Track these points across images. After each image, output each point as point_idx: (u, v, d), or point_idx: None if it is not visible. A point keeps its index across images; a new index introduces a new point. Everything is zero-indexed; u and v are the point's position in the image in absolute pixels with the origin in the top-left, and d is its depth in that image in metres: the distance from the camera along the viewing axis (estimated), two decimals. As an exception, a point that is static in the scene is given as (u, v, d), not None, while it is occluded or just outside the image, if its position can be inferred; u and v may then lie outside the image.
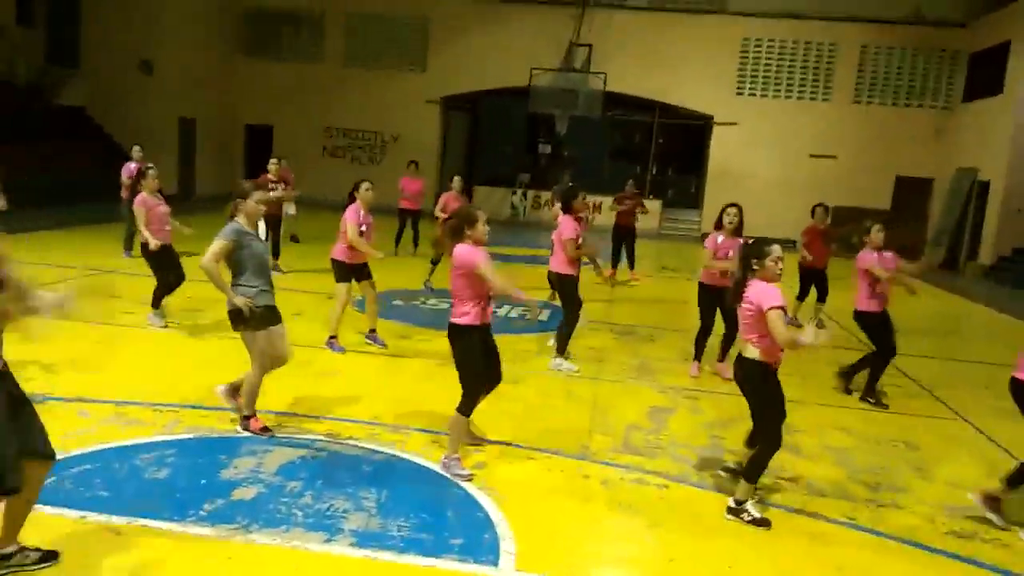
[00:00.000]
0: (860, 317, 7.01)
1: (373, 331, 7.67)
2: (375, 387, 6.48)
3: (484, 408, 5.98)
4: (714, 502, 4.66)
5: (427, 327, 8.65)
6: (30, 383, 5.66)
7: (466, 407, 4.77)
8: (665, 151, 25.66)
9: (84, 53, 20.32)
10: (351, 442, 5.15)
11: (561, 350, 7.43)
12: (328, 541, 3.82)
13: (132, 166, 11.84)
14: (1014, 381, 4.60)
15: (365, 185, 7.37)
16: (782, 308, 4.29)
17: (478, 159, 25.68)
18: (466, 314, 4.69)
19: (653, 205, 23.16)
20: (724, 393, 6.93)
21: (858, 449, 5.86)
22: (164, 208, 7.72)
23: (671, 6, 21.84)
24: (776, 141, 21.97)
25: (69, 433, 4.86)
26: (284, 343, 5.11)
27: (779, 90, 22.09)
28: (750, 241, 4.75)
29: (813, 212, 10.09)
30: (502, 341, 8.12)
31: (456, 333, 4.75)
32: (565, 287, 7.42)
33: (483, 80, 22.45)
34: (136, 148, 12.67)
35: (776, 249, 4.45)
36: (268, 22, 23.07)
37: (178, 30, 20.48)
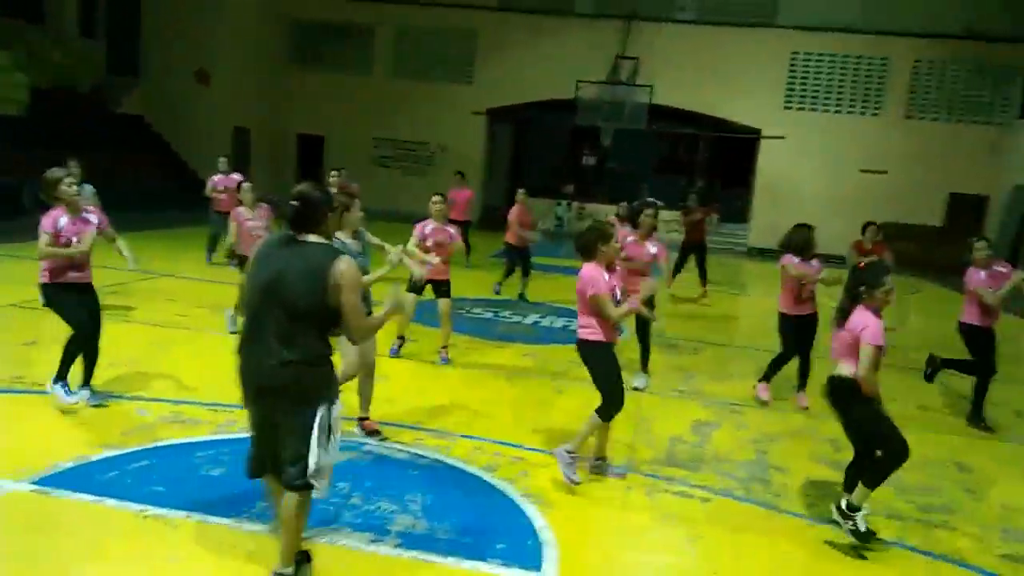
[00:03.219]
0: (970, 331, 6.86)
1: (444, 348, 7.58)
2: (421, 393, 6.58)
3: (526, 417, 6.07)
4: (758, 516, 4.65)
5: (471, 335, 8.74)
6: (93, 382, 5.90)
7: (605, 413, 4.85)
8: (712, 164, 25.50)
9: (143, 63, 21.03)
10: (397, 446, 5.25)
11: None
12: (375, 541, 3.91)
13: (216, 178, 12.14)
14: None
15: (433, 199, 7.45)
16: (880, 348, 4.21)
17: (523, 170, 25.82)
18: (592, 330, 4.81)
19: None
20: (771, 410, 6.89)
21: (908, 468, 5.73)
22: (253, 223, 8.03)
23: (719, 19, 21.78)
24: (825, 155, 21.71)
25: (129, 430, 5.07)
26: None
27: (828, 104, 21.84)
28: (861, 265, 4.60)
29: (864, 229, 9.93)
30: (547, 351, 8.23)
31: (586, 348, 4.87)
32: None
33: (529, 92, 22.63)
34: (222, 160, 12.65)
35: (889, 281, 4.36)
36: (320, 34, 23.60)
37: (233, 41, 21.08)
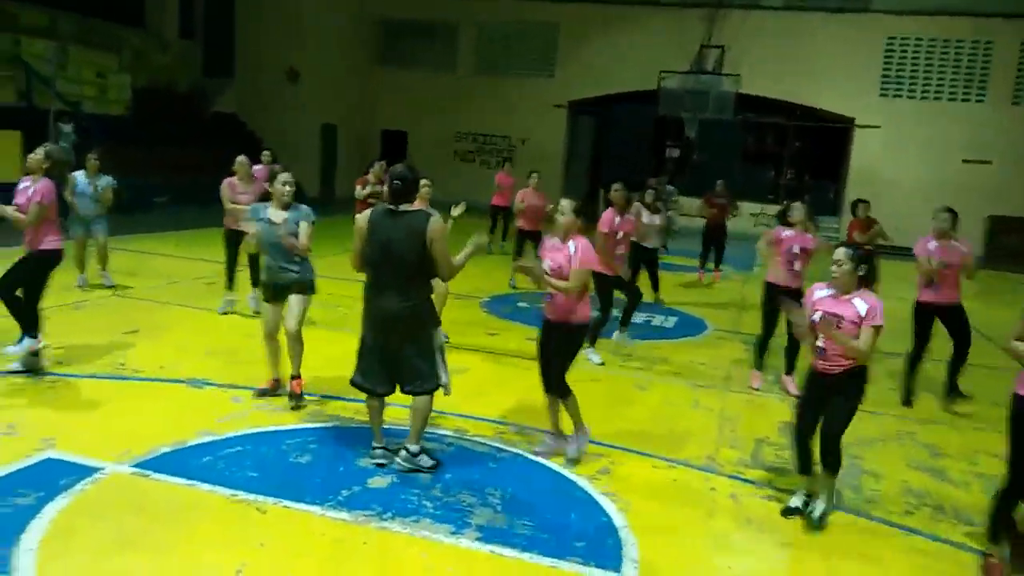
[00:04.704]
0: None
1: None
2: (502, 387, 6.60)
3: (608, 414, 5.99)
4: (849, 525, 4.46)
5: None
6: (189, 369, 6.18)
7: None
8: (801, 155, 24.65)
9: (238, 63, 21.85)
10: (479, 439, 5.28)
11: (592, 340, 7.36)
12: (455, 534, 3.94)
13: (257, 169, 12.19)
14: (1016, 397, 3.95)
15: (615, 186, 7.49)
16: None
17: (604, 162, 25.60)
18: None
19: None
20: (864, 411, 6.59)
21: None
22: (245, 196, 8.19)
23: (810, 5, 20.99)
24: (924, 145, 20.66)
25: (223, 416, 5.27)
26: None
27: (928, 91, 20.76)
28: None
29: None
30: (634, 348, 8.09)
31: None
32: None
33: (611, 84, 22.39)
34: (265, 153, 12.26)
35: None
36: (404, 33, 23.96)
37: (321, 41, 21.65)
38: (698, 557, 4.05)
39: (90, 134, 14.32)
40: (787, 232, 6.80)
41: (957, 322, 6.64)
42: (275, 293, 5.58)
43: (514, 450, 5.15)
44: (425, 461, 4.63)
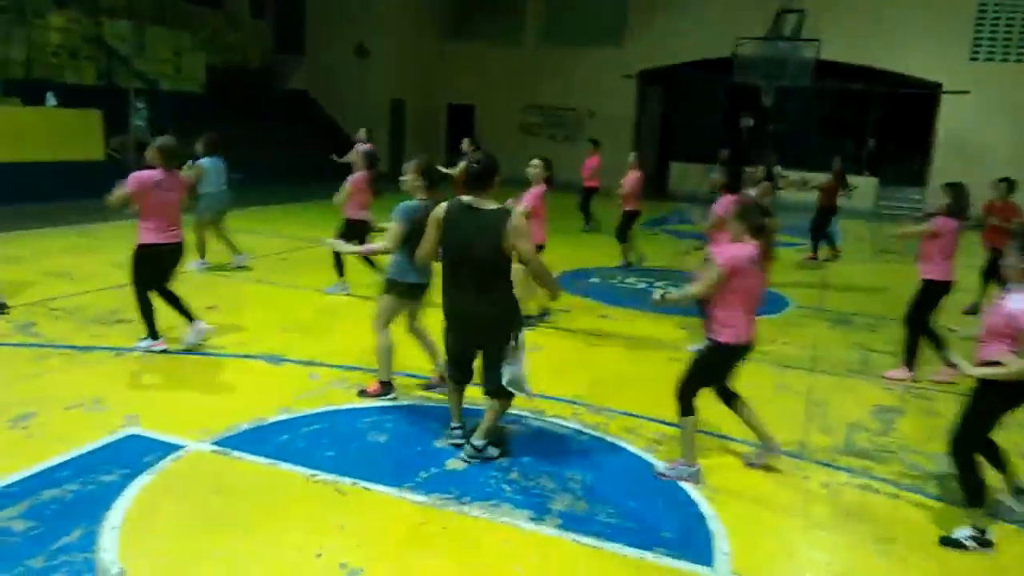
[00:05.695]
0: None
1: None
2: (576, 366, 6.44)
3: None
4: (956, 520, 4.15)
5: (625, 307, 8.50)
6: (267, 345, 6.20)
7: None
8: (884, 123, 23.49)
9: (307, 40, 22.01)
10: (555, 420, 5.14)
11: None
12: (535, 520, 3.81)
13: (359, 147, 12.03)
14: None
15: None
16: None
17: (675, 134, 24.94)
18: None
19: (869, 182, 21.37)
20: (964, 393, 6.20)
21: None
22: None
23: (898, -36, 19.83)
24: (1018, 111, 19.38)
25: (302, 394, 5.26)
26: None
27: (1020, 54, 19.41)
28: None
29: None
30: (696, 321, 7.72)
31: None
32: None
33: (682, 52, 21.73)
34: (362, 131, 12.62)
35: None
36: (471, 6, 23.71)
37: (389, 17, 21.61)
38: (793, 551, 3.83)
39: (166, 111, 14.66)
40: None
41: None
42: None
43: (593, 432, 4.99)
44: (491, 452, 4.47)
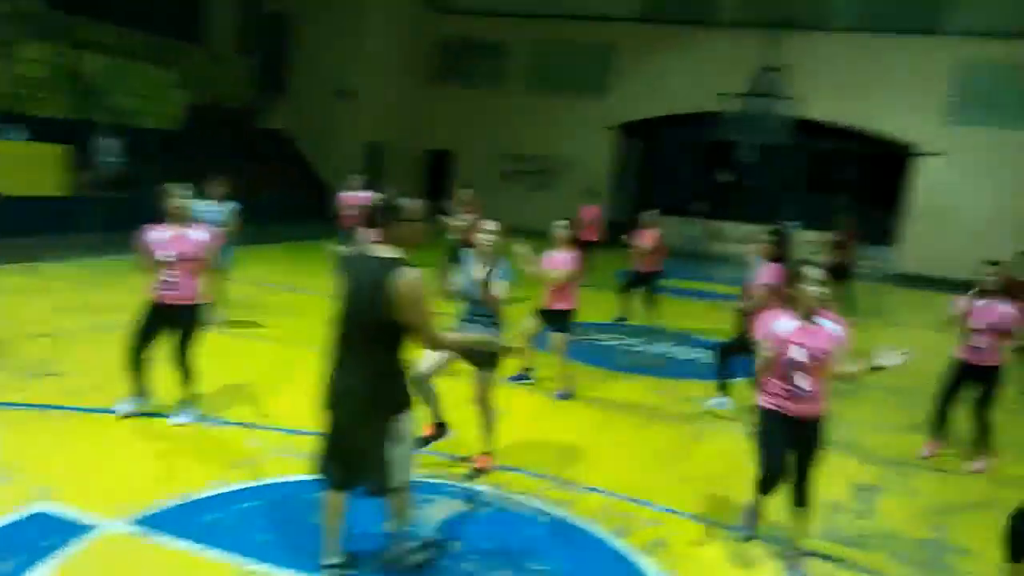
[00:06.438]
0: None
1: (561, 382, 7.01)
2: (544, 432, 6.07)
3: (662, 468, 5.41)
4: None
5: (596, 365, 8.17)
6: (206, 404, 5.64)
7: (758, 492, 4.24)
8: (859, 182, 23.69)
9: (290, 80, 21.87)
10: (517, 497, 4.75)
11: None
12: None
13: (345, 195, 11.28)
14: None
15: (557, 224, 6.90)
16: None
17: (652, 187, 24.95)
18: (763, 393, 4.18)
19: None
20: (943, 471, 5.93)
21: None
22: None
23: (877, 26, 20.18)
24: (991, 175, 19.66)
25: (238, 462, 4.82)
26: None
27: (997, 119, 19.71)
28: None
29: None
30: (679, 387, 7.39)
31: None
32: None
33: (664, 106, 21.89)
34: (354, 177, 11.87)
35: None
36: (456, 52, 23.78)
37: (373, 60, 21.56)
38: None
39: (142, 148, 14.31)
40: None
41: None
42: None
43: (559, 512, 4.60)
44: (415, 559, 3.75)
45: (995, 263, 6.02)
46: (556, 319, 6.84)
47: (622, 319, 10.50)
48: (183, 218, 5.28)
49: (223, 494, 4.36)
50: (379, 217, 3.30)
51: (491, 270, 4.97)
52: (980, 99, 19.80)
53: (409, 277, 3.17)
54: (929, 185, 20.29)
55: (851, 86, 20.12)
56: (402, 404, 3.41)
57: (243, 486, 4.48)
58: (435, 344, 3.44)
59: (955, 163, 19.89)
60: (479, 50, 23.50)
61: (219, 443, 5.18)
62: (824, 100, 20.11)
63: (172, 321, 5.26)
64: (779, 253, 6.27)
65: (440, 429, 5.14)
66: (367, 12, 21.09)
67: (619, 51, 22.33)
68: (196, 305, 5.32)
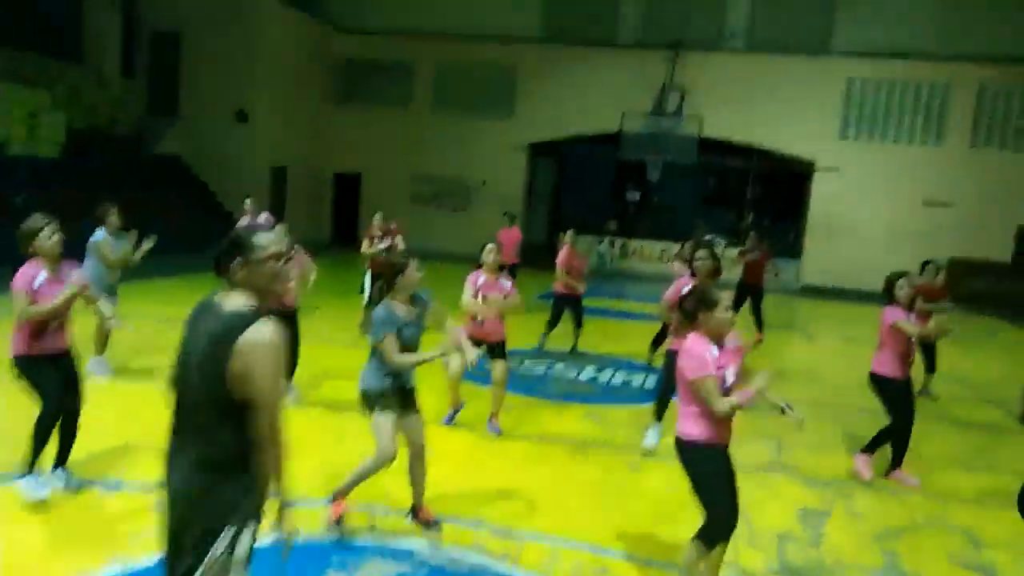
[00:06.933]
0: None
1: (495, 415, 6.61)
2: (478, 473, 5.69)
3: (604, 507, 5.07)
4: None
5: (526, 394, 7.85)
6: (104, 465, 4.96)
7: (707, 537, 3.77)
8: (762, 198, 24.53)
9: (182, 103, 20.76)
10: (454, 553, 4.35)
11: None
12: None
13: (243, 221, 10.72)
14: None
15: (487, 248, 6.43)
16: None
17: (565, 206, 25.06)
18: (695, 427, 3.74)
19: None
20: (882, 490, 5.89)
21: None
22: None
23: (770, 47, 20.95)
24: (884, 187, 20.68)
25: (141, 532, 4.22)
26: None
27: (887, 134, 20.79)
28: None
29: (922, 269, 8.76)
30: (611, 413, 7.10)
31: (685, 452, 3.80)
32: None
33: (571, 126, 21.98)
34: (248, 201, 11.59)
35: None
36: (358, 72, 23.22)
37: (271, 81, 20.70)
38: None
39: (16, 178, 13.15)
40: None
41: None
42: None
43: (500, 567, 4.23)
44: None
45: (902, 274, 6.07)
46: (496, 348, 6.47)
47: (541, 347, 10.15)
48: (55, 256, 4.63)
49: (127, 575, 3.77)
50: (222, 257, 2.51)
51: (419, 312, 4.52)
52: (870, 115, 20.80)
53: (254, 337, 2.37)
54: (826, 199, 21.11)
55: (749, 104, 20.75)
56: (239, 511, 2.48)
57: (147, 563, 3.87)
58: (275, 433, 2.46)
59: (850, 177, 20.77)
60: (384, 70, 23.03)
61: (122, 511, 4.54)
62: (724, 119, 20.66)
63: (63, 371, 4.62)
64: (716, 267, 6.14)
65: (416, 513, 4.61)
66: (263, 30, 20.28)
67: (523, 72, 22.32)
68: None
